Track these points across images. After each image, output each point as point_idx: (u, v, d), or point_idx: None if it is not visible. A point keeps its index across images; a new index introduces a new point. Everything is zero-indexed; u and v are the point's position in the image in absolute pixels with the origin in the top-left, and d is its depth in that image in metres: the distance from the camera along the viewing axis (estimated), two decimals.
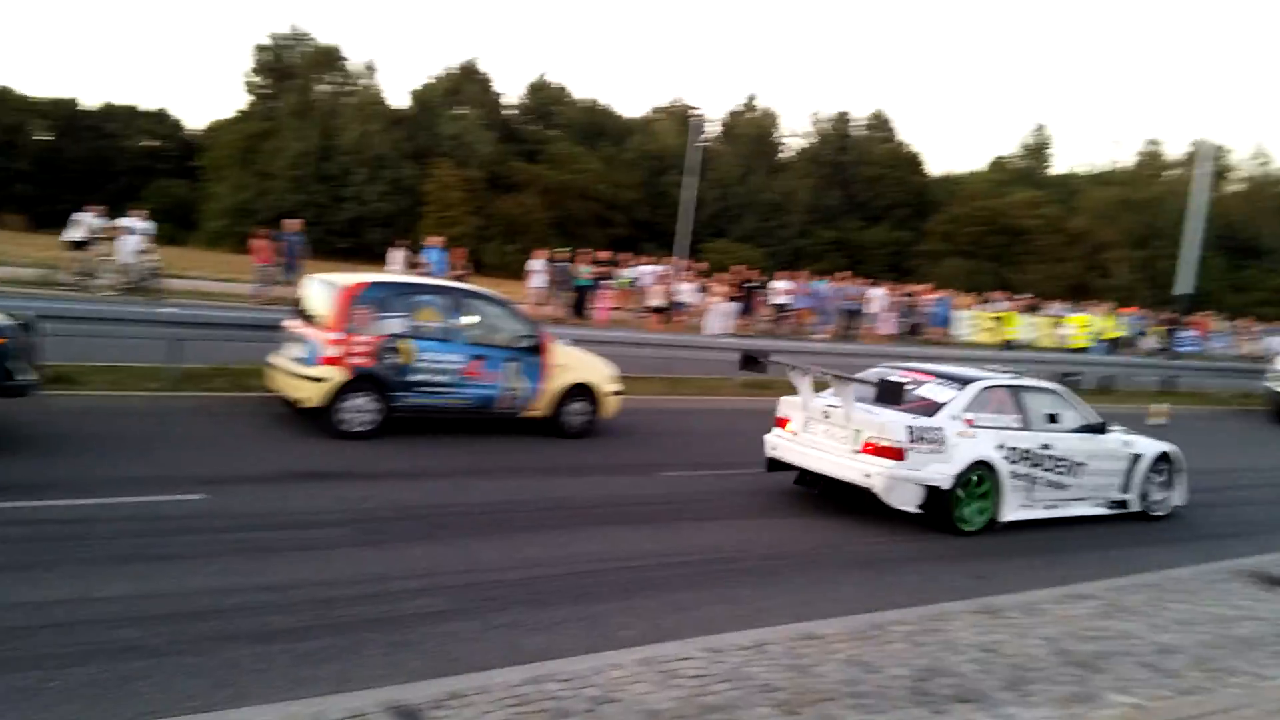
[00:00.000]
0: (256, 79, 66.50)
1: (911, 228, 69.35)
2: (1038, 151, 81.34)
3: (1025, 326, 30.24)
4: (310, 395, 10.40)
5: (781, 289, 27.57)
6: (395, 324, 10.67)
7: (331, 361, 10.34)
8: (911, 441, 8.88)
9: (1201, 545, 9.82)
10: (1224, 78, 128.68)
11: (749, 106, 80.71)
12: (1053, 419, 10.01)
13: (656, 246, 48.41)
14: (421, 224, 51.18)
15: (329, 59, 65.84)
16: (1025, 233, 65.72)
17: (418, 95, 68.99)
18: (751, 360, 10.86)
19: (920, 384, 9.72)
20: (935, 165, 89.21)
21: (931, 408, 9.33)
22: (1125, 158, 79.63)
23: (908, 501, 9.01)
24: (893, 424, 8.96)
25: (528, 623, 6.03)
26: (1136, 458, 10.60)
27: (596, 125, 74.20)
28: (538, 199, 61.24)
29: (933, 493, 8.97)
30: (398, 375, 10.64)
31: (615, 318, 25.11)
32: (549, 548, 7.57)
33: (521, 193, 61.62)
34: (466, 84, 70.87)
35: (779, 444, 9.96)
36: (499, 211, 59.66)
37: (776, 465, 10.02)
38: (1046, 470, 9.74)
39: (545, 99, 75.57)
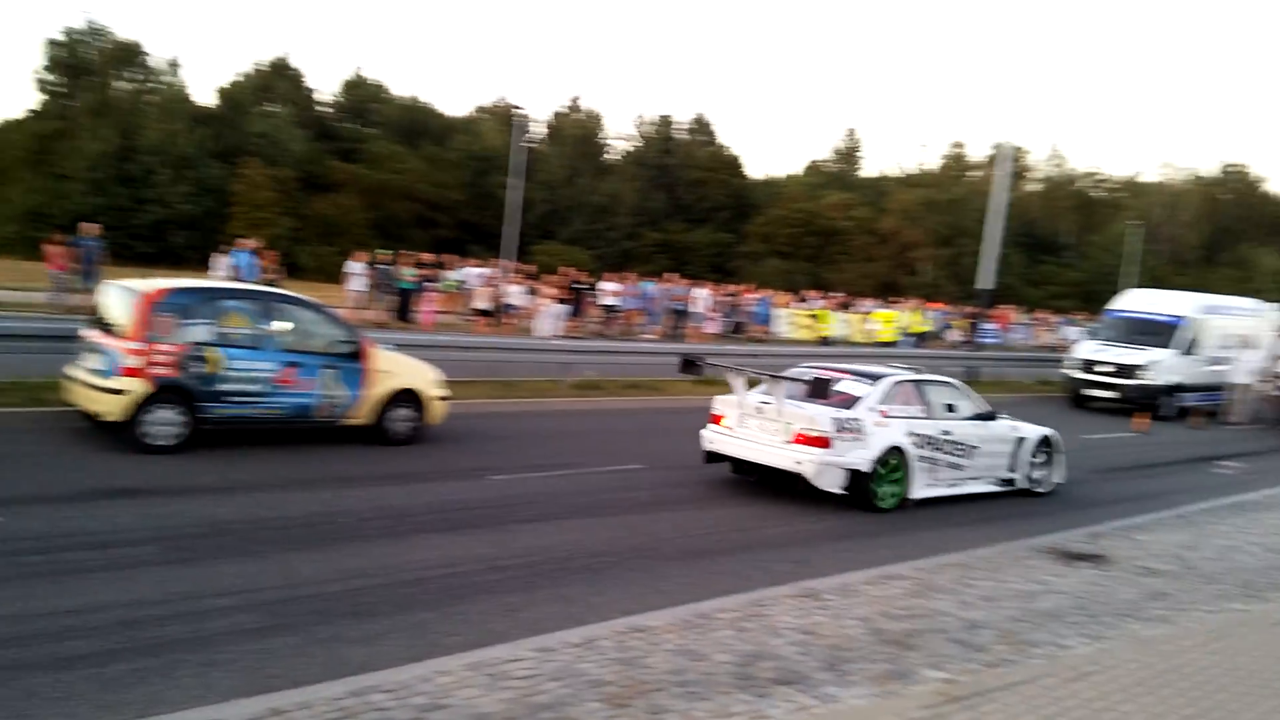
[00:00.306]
0: (49, 76, 61.99)
1: (733, 230, 71.29)
2: (849, 155, 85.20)
3: (839, 323, 31.55)
4: (110, 408, 9.76)
5: (610, 290, 27.77)
6: (201, 331, 10.12)
7: (132, 373, 9.73)
8: (836, 432, 9.98)
9: (1008, 524, 10.45)
10: (1023, 83, 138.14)
11: (573, 108, 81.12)
12: (950, 408, 11.27)
13: (483, 248, 47.92)
14: (230, 226, 48.87)
15: (129, 55, 62.12)
16: (838, 233, 68.73)
17: (225, 92, 66.00)
18: (690, 364, 11.56)
19: (839, 380, 10.75)
20: (754, 169, 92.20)
21: (850, 401, 10.43)
22: (931, 160, 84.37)
23: (833, 484, 10.04)
24: (820, 416, 10.03)
25: (351, 635, 5.84)
26: (1021, 441, 11.84)
27: (417, 124, 72.79)
28: (356, 199, 59.55)
29: (854, 475, 10.06)
30: (205, 385, 10.10)
31: (441, 321, 24.68)
32: (373, 558, 7.36)
33: (338, 193, 59.79)
34: (277, 81, 68.28)
35: (715, 438, 10.87)
36: (314, 212, 57.68)
37: (714, 458, 10.94)
38: (947, 454, 10.94)
39: (362, 96, 73.59)
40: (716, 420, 10.98)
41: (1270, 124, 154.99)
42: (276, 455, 10.53)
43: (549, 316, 23.24)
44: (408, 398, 11.61)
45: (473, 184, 67.19)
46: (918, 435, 10.59)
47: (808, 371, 11.05)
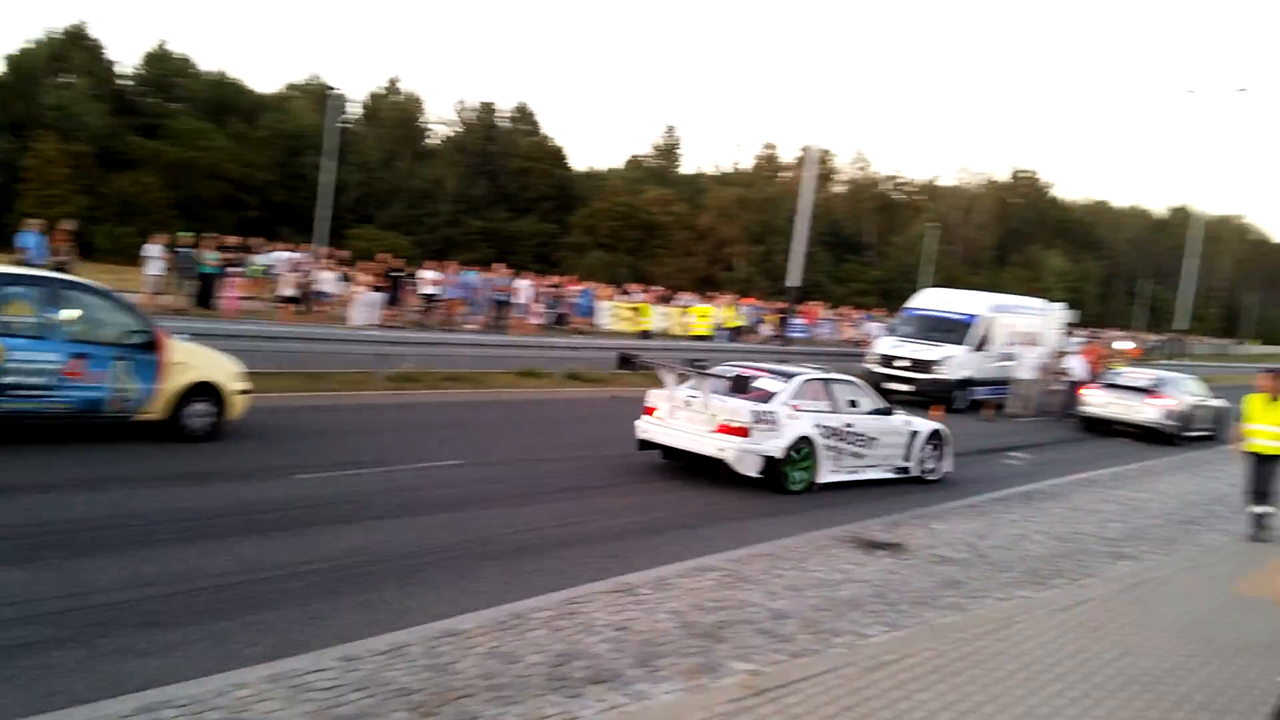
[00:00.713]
0: None
1: (557, 220, 71.23)
2: (669, 152, 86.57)
3: (658, 316, 32.05)
4: None
5: (430, 279, 27.16)
6: None
7: None
8: (755, 423, 11.18)
9: (814, 514, 10.81)
10: (831, 87, 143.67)
11: (392, 89, 79.01)
12: (853, 404, 12.60)
13: (295, 232, 46.03)
14: (20, 204, 44.99)
15: None
16: (659, 228, 69.76)
17: (15, 61, 60.56)
18: (626, 360, 12.68)
19: (758, 378, 12.11)
20: (578, 161, 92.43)
21: (767, 396, 11.70)
22: (745, 160, 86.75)
23: (751, 469, 11.23)
24: (740, 409, 11.27)
25: (141, 647, 5.46)
26: (915, 434, 13.14)
27: (225, 100, 68.97)
28: (157, 177, 55.93)
29: (769, 461, 11.25)
30: None
31: (246, 308, 23.52)
32: (167, 564, 6.91)
33: (139, 170, 56.01)
34: (73, 50, 63.24)
35: (648, 428, 12.04)
36: (113, 190, 53.82)
37: (646, 445, 12.15)
38: (849, 444, 12.23)
39: (166, 70, 69.10)
40: (649, 412, 12.11)
41: (1057, 133, 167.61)
42: (63, 453, 9.76)
43: (364, 305, 22.51)
44: (206, 391, 10.96)
45: (284, 164, 64.36)
46: (824, 427, 11.84)
47: (731, 369, 12.51)
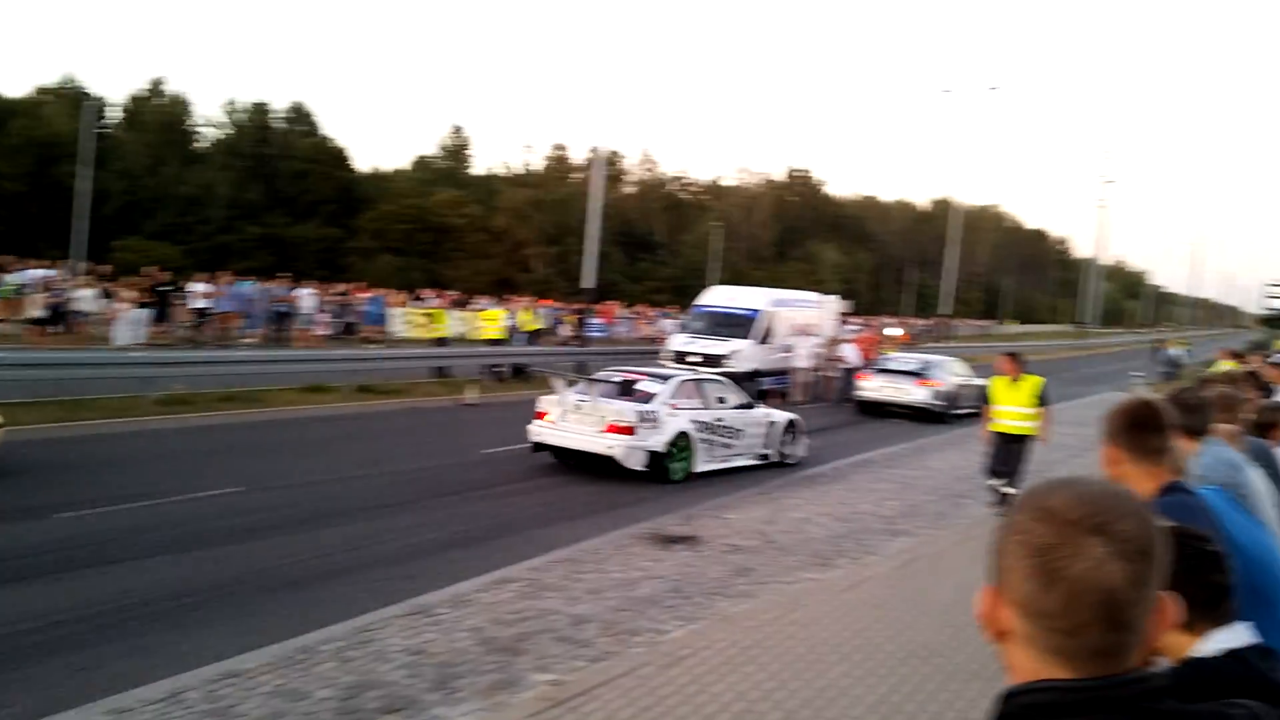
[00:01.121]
0: None
1: (342, 224, 68.75)
2: (458, 152, 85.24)
3: (455, 321, 31.56)
4: None
5: (201, 292, 25.59)
6: None
7: None
8: (639, 421, 12.38)
9: (618, 513, 10.93)
10: (619, 89, 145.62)
11: (155, 91, 74.02)
12: (721, 400, 13.93)
13: (52, 247, 42.39)
14: None
15: None
16: (452, 230, 68.60)
17: None
18: (519, 370, 13.24)
19: (639, 381, 13.40)
20: (361, 162, 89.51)
21: (648, 397, 12.94)
22: (537, 161, 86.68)
23: (637, 463, 12.37)
24: (626, 410, 12.48)
25: None
26: (773, 424, 14.56)
27: None
28: None
29: (653, 456, 12.45)
30: None
31: None
32: None
33: None
34: None
35: (541, 431, 12.94)
36: None
37: (540, 448, 13.05)
38: (720, 436, 13.56)
39: None
40: (541, 416, 13.01)
41: (827, 133, 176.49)
42: None
43: (128, 323, 21.03)
44: None
45: (37, 175, 59.10)
46: (699, 422, 13.15)
47: (615, 374, 13.91)
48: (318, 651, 5.98)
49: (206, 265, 36.43)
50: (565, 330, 37.08)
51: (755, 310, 25.05)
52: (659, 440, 12.53)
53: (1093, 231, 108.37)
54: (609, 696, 5.50)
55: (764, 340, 24.54)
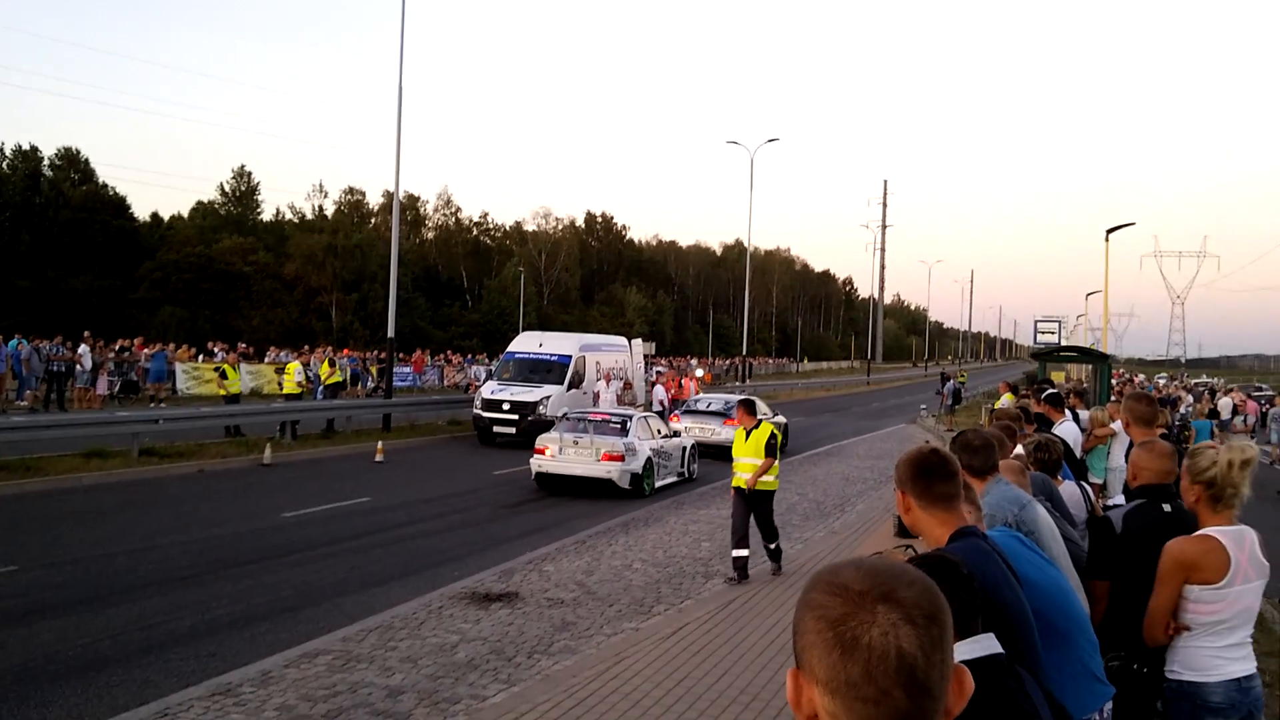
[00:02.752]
0: None
1: (122, 275, 64.35)
2: (242, 197, 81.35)
3: (247, 376, 30.07)
4: None
5: None
6: None
7: None
8: (626, 451, 16.30)
9: (432, 573, 10.60)
10: (415, 131, 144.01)
11: None
12: (659, 431, 18.18)
13: None
14: None
15: None
16: (239, 279, 65.43)
17: None
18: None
19: (610, 420, 17.19)
20: (141, 209, 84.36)
21: (624, 432, 16.79)
22: (329, 205, 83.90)
23: (626, 483, 16.16)
24: (618, 442, 16.42)
25: None
26: (684, 448, 18.84)
27: None
28: None
29: (634, 477, 16.36)
30: None
31: None
32: None
33: None
34: None
35: (543, 464, 16.49)
36: None
37: (544, 478, 16.63)
38: (664, 459, 17.67)
39: None
40: (541, 452, 16.54)
41: (626, 180, 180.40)
42: None
43: None
44: None
45: None
46: (655, 449, 17.25)
47: (596, 414, 17.89)
48: None
49: None
50: (370, 381, 36.01)
51: (566, 355, 25.14)
52: (638, 464, 16.44)
53: (873, 272, 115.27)
54: None
55: (574, 385, 24.65)
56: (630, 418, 17.38)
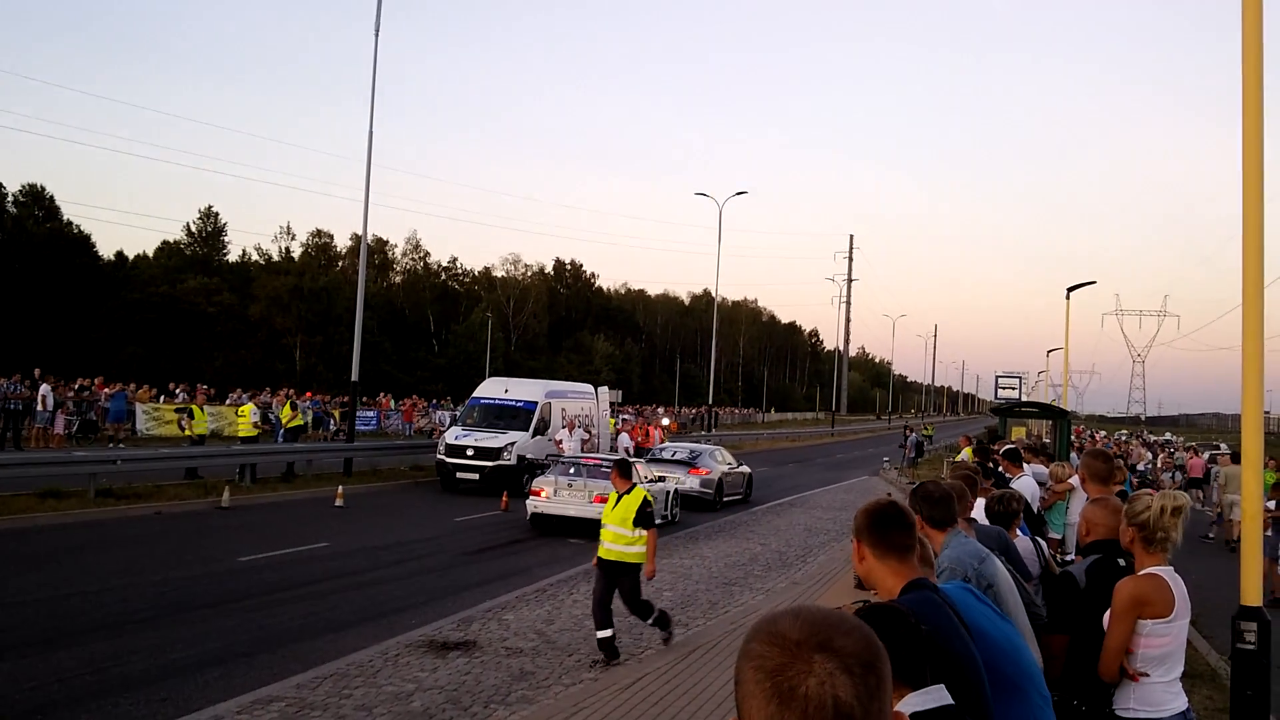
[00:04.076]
0: None
1: (84, 314, 63.56)
2: (208, 238, 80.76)
3: (210, 417, 29.72)
4: None
5: None
6: None
7: None
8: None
9: (389, 620, 10.49)
10: (384, 175, 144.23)
11: None
12: (645, 476, 18.57)
13: None
14: None
15: None
16: (204, 319, 64.85)
17: None
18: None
19: (602, 465, 17.15)
20: (105, 248, 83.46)
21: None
22: (295, 248, 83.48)
23: None
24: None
25: None
26: (668, 492, 19.69)
27: None
28: None
29: None
30: None
31: None
32: None
33: None
34: None
35: (539, 505, 17.34)
36: None
37: (539, 518, 17.39)
38: (659, 500, 17.88)
39: None
40: (536, 493, 17.47)
41: (597, 228, 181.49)
42: None
43: None
44: None
45: None
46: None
47: (590, 458, 18.71)
48: None
49: None
50: (332, 425, 35.71)
51: (532, 402, 25.09)
52: None
53: (838, 325, 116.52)
54: None
55: (540, 432, 24.58)
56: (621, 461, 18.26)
